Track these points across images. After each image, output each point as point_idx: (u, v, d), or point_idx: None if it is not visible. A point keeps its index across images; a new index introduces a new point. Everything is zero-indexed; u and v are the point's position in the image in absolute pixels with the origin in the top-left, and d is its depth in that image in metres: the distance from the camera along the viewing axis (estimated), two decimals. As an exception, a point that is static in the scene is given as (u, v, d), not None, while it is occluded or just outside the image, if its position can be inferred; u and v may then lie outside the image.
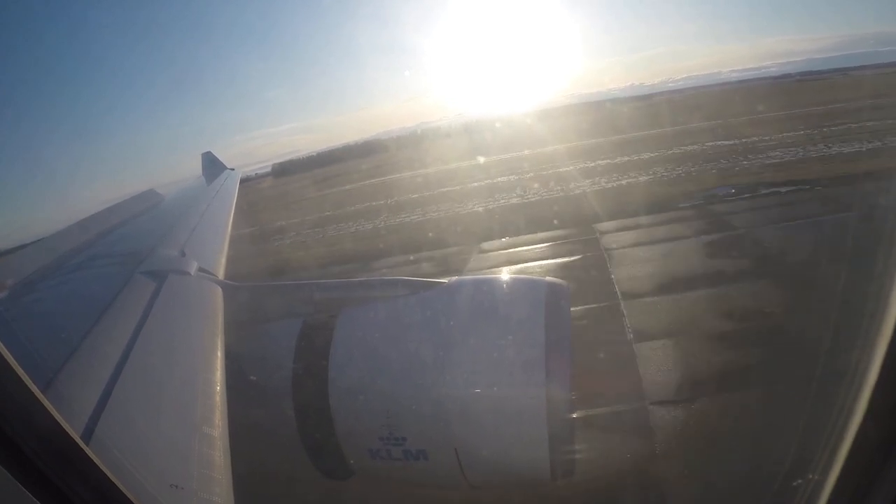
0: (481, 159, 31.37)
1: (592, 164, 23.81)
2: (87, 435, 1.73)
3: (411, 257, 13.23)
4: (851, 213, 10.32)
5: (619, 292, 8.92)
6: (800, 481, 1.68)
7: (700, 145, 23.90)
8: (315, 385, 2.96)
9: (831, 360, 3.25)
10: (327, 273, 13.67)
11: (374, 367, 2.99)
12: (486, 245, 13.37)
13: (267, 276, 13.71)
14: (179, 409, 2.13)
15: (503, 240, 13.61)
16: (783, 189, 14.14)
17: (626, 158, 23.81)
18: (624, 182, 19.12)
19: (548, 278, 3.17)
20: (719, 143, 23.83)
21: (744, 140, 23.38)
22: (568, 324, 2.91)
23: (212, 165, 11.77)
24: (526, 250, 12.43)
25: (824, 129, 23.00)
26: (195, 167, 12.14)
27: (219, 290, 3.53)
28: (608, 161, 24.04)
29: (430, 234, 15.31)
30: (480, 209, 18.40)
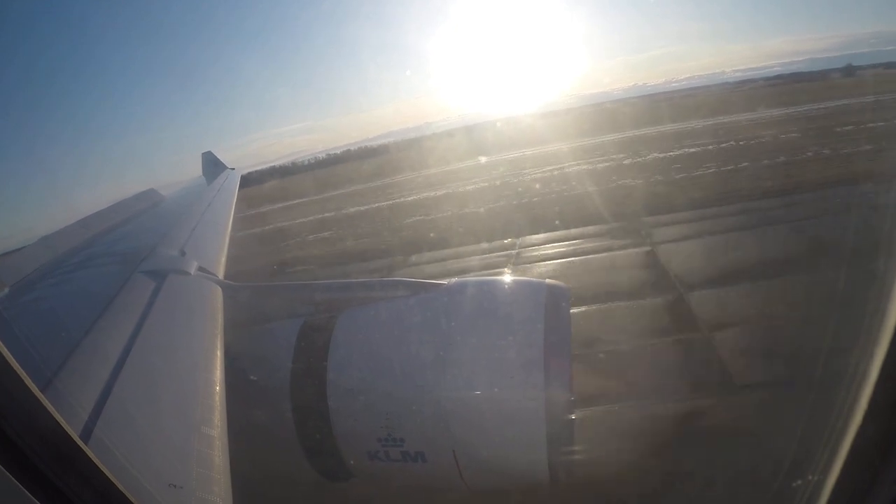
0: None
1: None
2: (87, 434, 1.73)
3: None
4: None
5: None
6: (800, 481, 1.68)
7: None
8: (314, 386, 2.96)
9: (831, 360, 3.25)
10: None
11: (374, 368, 2.99)
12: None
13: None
14: (179, 409, 2.13)
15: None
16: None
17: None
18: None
19: (548, 280, 3.17)
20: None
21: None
22: (568, 326, 2.90)
23: (212, 165, 11.79)
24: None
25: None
26: (197, 167, 12.18)
27: (219, 290, 3.53)
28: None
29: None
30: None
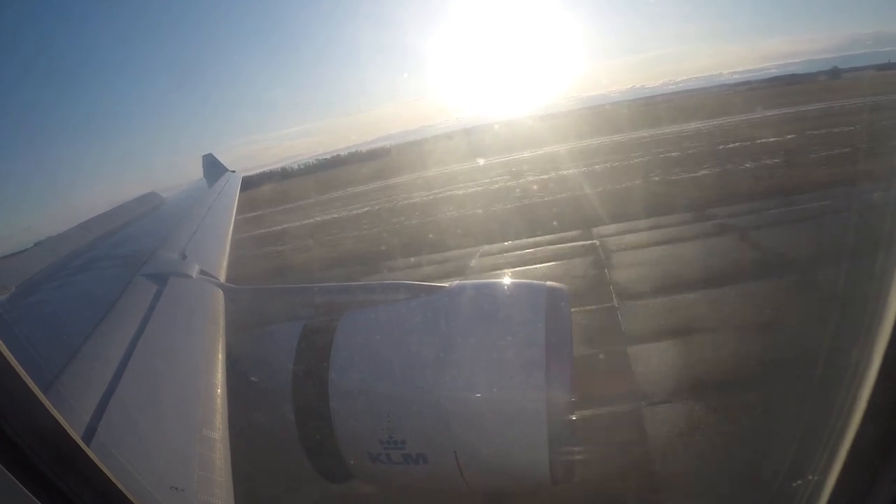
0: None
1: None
2: (89, 436, 1.74)
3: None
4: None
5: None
6: (800, 482, 1.68)
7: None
8: (316, 388, 2.96)
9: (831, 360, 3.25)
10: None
11: (375, 370, 2.99)
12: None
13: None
14: (180, 412, 2.13)
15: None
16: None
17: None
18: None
19: (548, 282, 3.17)
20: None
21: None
22: (568, 327, 2.91)
23: (213, 167, 11.80)
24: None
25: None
26: (197, 170, 12.20)
27: (220, 293, 3.54)
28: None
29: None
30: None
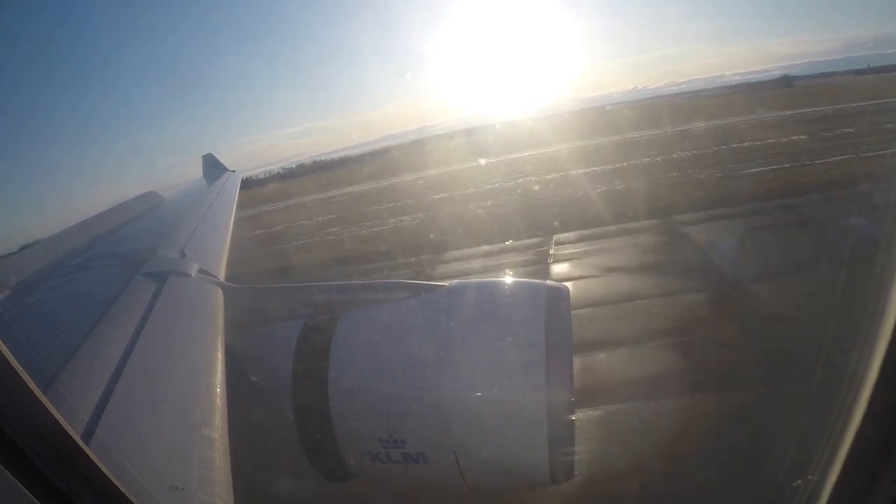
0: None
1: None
2: (88, 435, 1.73)
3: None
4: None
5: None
6: (800, 482, 1.68)
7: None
8: (315, 387, 2.96)
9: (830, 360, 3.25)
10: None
11: (375, 369, 2.99)
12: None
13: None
14: (180, 411, 2.13)
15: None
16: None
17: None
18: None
19: (548, 282, 3.18)
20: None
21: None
22: (568, 327, 2.91)
23: (213, 167, 11.78)
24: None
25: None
26: (196, 169, 12.18)
27: (219, 292, 3.53)
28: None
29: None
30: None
